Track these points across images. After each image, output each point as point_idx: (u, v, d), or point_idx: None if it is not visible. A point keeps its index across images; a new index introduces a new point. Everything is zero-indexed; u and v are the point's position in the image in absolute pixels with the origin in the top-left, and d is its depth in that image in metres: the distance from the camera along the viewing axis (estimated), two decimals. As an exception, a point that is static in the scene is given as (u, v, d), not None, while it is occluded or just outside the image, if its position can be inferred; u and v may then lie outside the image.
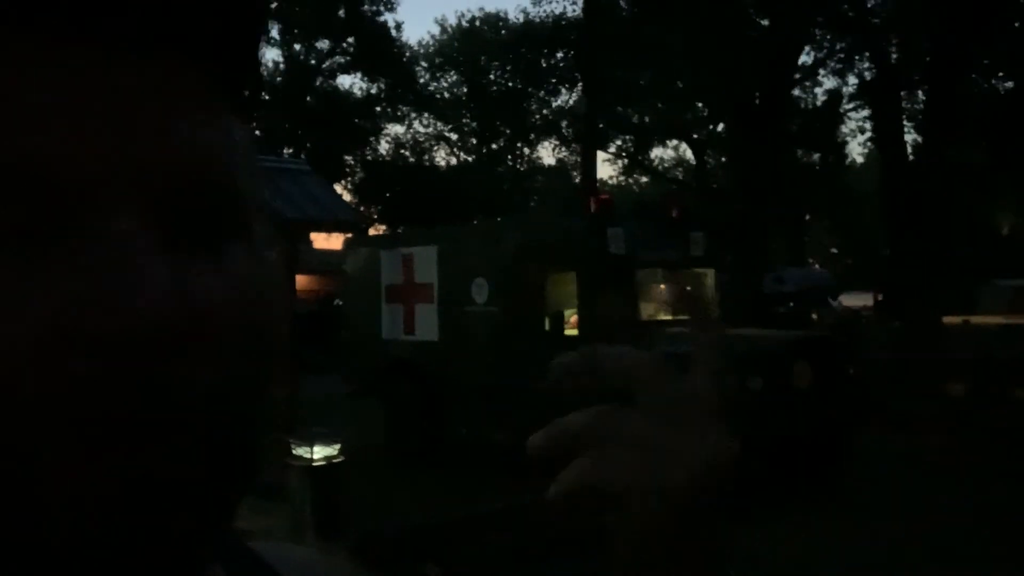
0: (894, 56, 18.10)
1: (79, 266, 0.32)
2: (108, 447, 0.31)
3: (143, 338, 0.31)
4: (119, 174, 0.33)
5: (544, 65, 31.13)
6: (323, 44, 31.50)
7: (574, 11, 26.53)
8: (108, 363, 0.31)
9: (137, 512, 0.32)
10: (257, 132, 28.14)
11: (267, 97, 30.47)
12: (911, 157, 17.99)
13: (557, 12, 35.06)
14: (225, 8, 0.37)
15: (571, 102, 32.71)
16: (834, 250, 50.10)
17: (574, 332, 8.15)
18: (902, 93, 19.35)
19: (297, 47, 31.31)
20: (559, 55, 30.14)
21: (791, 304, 20.90)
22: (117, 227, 0.32)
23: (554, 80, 31.99)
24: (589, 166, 17.52)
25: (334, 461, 3.61)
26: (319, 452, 3.54)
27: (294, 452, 3.65)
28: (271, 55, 58.48)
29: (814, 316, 19.37)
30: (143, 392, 0.32)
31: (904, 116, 20.63)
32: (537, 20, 29.88)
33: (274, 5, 29.32)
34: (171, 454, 0.33)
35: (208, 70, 0.38)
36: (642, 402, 0.48)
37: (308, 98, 31.14)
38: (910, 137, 21.77)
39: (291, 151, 28.74)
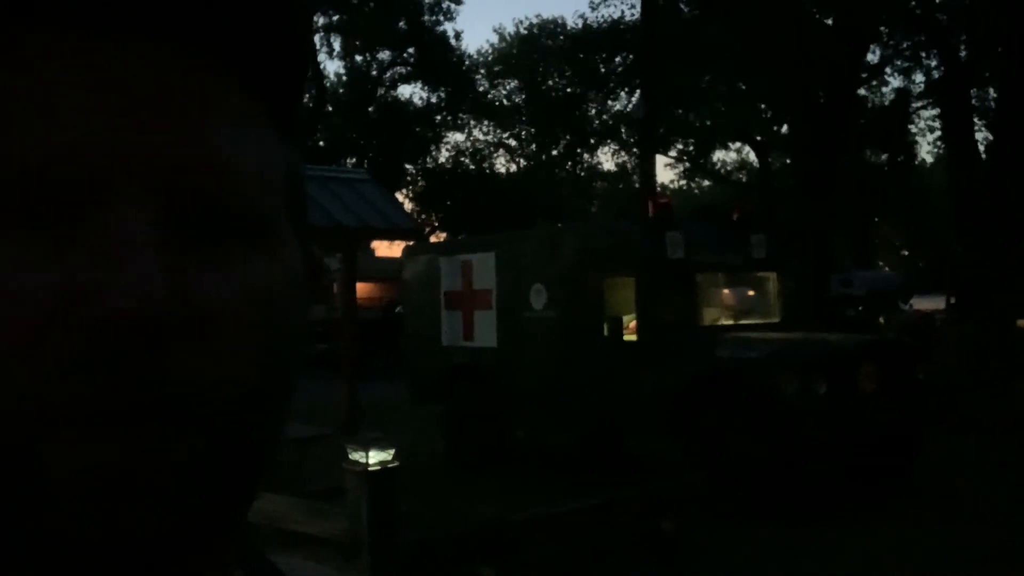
0: (963, 53, 17.59)
1: (79, 256, 0.33)
2: (98, 430, 0.32)
3: (133, 328, 0.32)
4: (127, 169, 0.34)
5: (602, 70, 31.01)
6: (384, 55, 31.89)
7: (632, 15, 26.43)
8: (99, 349, 0.32)
9: (131, 493, 0.33)
10: (321, 143, 28.73)
11: (330, 108, 30.97)
12: (983, 156, 17.45)
13: (615, 16, 34.98)
14: (256, 13, 0.38)
15: (630, 106, 32.54)
16: (904, 252, 48.85)
17: (633, 337, 8.09)
18: (972, 90, 18.78)
19: (359, 58, 31.76)
20: (617, 59, 30.00)
21: (860, 307, 20.42)
22: (118, 220, 0.33)
23: (612, 84, 31.85)
24: (648, 170, 17.39)
25: (389, 466, 3.65)
26: (374, 457, 3.59)
27: (350, 456, 3.70)
28: (333, 67, 59.23)
29: (881, 320, 18.92)
30: (133, 380, 0.32)
31: (975, 114, 20.02)
32: (595, 25, 29.79)
33: (336, 18, 29.81)
34: (164, 442, 0.33)
35: (243, 78, 0.38)
36: None
37: (370, 108, 31.55)
38: (981, 135, 21.15)
39: (354, 160, 29.16)
